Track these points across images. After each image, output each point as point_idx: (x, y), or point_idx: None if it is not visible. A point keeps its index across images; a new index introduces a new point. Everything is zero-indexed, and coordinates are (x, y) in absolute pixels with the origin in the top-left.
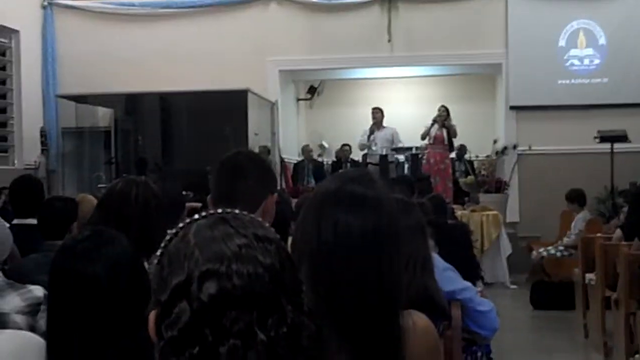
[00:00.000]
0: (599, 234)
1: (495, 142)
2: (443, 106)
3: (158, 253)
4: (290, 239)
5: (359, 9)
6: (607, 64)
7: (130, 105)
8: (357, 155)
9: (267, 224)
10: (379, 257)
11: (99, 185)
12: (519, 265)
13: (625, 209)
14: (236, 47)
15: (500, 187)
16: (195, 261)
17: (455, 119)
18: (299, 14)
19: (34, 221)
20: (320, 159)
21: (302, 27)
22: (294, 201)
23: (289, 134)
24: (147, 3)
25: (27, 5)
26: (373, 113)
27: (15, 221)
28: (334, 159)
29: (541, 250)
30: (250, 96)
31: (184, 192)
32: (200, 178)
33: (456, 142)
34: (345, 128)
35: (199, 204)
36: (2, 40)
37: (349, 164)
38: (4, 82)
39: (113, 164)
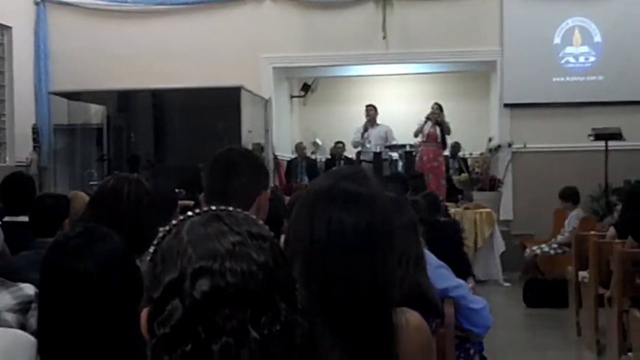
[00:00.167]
0: (592, 232)
1: (490, 139)
2: (436, 103)
3: (151, 250)
4: (283, 237)
5: (353, 6)
6: (602, 61)
7: (123, 102)
8: (350, 152)
9: (260, 222)
10: (372, 255)
11: (91, 183)
12: (512, 263)
13: (619, 207)
14: (230, 43)
15: (494, 184)
16: (188, 258)
17: (449, 117)
18: (293, 10)
19: (25, 218)
20: (313, 157)
21: (296, 24)
22: (287, 199)
23: (283, 131)
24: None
25: (19, 2)
26: (367, 110)
27: (6, 218)
28: (328, 157)
29: (534, 248)
30: (243, 93)
31: (176, 190)
32: (193, 175)
33: (450, 140)
34: (338, 125)
35: (191, 202)
36: None
37: (342, 162)
38: None
39: (105, 161)
